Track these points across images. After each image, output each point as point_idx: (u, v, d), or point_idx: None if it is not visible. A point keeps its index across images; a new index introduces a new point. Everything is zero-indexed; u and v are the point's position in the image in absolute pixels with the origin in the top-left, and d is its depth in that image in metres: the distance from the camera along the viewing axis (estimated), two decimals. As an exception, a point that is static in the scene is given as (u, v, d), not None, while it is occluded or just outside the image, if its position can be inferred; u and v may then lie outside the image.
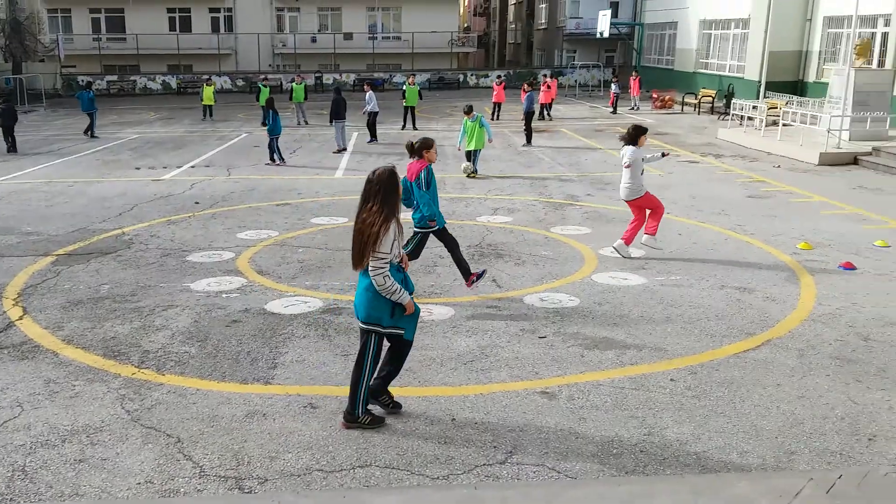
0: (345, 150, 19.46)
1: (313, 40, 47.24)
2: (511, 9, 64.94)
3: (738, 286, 8.23)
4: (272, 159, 17.35)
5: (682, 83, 33.28)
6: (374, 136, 21.15)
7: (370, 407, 5.30)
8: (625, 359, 6.35)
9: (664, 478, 4.58)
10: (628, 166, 9.24)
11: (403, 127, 24.15)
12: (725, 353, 6.43)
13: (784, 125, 19.35)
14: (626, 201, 9.51)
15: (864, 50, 19.15)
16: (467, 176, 15.51)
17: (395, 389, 5.82)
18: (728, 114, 23.94)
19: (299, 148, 19.54)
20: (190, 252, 9.78)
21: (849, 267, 8.79)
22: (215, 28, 46.00)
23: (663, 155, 10.16)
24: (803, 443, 4.97)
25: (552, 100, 27.74)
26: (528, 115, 20.37)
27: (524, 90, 22.15)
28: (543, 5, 51.46)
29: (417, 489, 4.45)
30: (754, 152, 18.56)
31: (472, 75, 45.06)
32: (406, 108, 24.16)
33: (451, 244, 8.14)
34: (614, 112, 28.39)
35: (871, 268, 8.81)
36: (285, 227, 11.20)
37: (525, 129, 20.34)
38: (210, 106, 27.69)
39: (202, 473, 4.67)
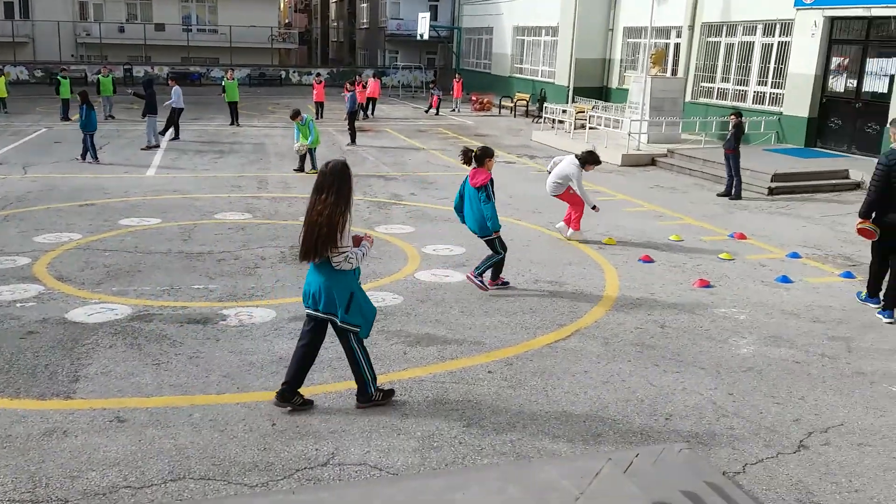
0: (157, 146, 18.47)
1: (121, 30, 44.50)
2: (333, 7, 64.51)
3: (550, 280, 8.67)
4: (84, 157, 16.11)
5: (499, 87, 34.56)
6: (177, 134, 20.18)
7: (380, 386, 5.58)
8: (446, 354, 6.51)
9: (477, 467, 4.73)
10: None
11: (232, 123, 23.35)
12: (539, 344, 6.76)
13: (591, 128, 20.61)
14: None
15: (658, 59, 20.76)
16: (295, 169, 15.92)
17: (210, 397, 5.62)
18: (541, 117, 25.14)
19: (106, 144, 18.30)
20: (-22, 258, 8.89)
21: (647, 260, 9.52)
22: (9, 14, 42.10)
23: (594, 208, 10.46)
24: (608, 425, 5.33)
25: (376, 98, 27.99)
26: (352, 115, 20.32)
27: (346, 89, 22.09)
28: (364, 5, 51.57)
29: (231, 498, 4.31)
30: (565, 154, 19.58)
31: (294, 72, 44.27)
32: (229, 103, 23.39)
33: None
34: (436, 113, 28.92)
35: (666, 260, 9.59)
36: (90, 229, 10.45)
37: (349, 129, 20.28)
38: (3, 98, 25.32)
39: (-8, 500, 4.26)
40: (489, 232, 8.07)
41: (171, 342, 6.58)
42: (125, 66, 39.67)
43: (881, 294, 7.82)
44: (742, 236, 10.91)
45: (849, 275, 9.08)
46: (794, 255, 9.91)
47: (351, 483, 4.50)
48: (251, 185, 14.24)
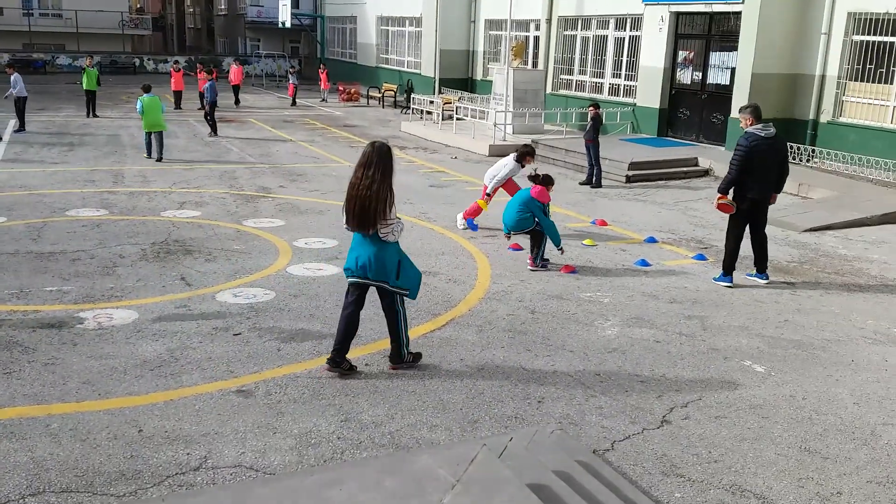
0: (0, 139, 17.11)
1: (-49, 13, 40.88)
2: (189, -8, 61.90)
3: (424, 270, 8.65)
4: None
5: (365, 77, 34.35)
6: (22, 125, 18.84)
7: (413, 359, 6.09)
8: (321, 349, 6.43)
9: (354, 461, 4.72)
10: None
11: (88, 114, 21.88)
12: (415, 335, 6.78)
13: (458, 119, 20.90)
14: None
15: (519, 51, 21.28)
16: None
17: (69, 406, 5.30)
18: (409, 108, 25.23)
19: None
20: None
21: (516, 248, 9.78)
22: None
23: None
24: (484, 411, 5.44)
25: (239, 86, 27.23)
26: (213, 105, 19.59)
27: (203, 77, 21.24)
28: (223, -10, 49.81)
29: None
30: (434, 144, 19.80)
31: (149, 60, 42.20)
32: (87, 92, 21.89)
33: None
34: (293, 104, 28.27)
35: (534, 248, 9.87)
36: (-77, 230, 9.58)
37: (210, 120, 19.55)
38: None
39: None
40: (525, 227, 8.85)
41: (23, 349, 6.15)
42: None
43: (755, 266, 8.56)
44: (603, 223, 11.40)
45: (701, 257, 9.69)
46: (652, 240, 10.47)
47: (224, 486, 4.37)
48: (106, 179, 13.48)
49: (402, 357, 6.05)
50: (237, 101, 27.17)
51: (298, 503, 3.31)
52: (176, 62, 28.15)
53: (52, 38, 42.73)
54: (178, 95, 25.52)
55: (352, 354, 6.30)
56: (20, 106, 18.73)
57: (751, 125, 8.32)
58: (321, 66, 32.34)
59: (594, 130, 14.59)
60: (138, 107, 15.46)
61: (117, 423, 5.05)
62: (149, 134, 15.61)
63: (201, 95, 24.62)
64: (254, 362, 6.11)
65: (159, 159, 15.45)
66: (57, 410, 5.19)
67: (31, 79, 32.36)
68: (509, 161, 10.75)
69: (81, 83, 22.19)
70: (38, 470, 4.49)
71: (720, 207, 8.46)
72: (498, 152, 18.11)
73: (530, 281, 8.48)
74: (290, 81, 28.92)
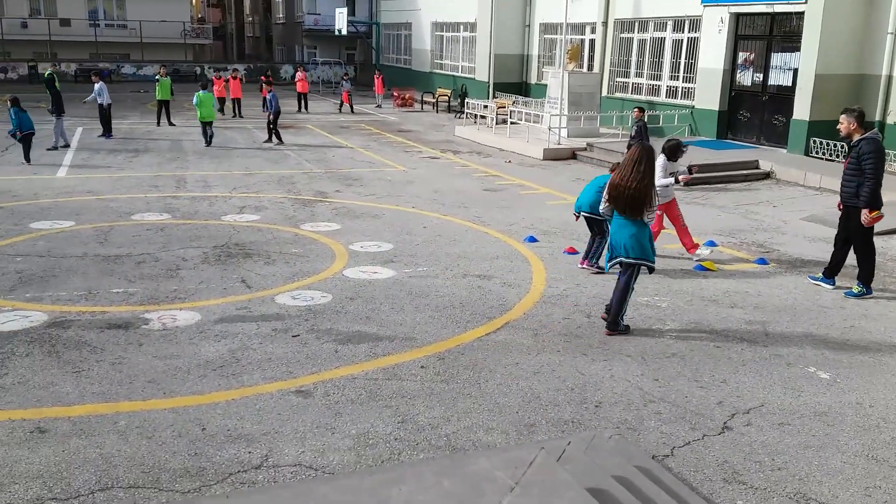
0: (67, 146, 17.74)
1: (24, 26, 42.53)
2: (247, 1, 63.22)
3: (478, 274, 8.75)
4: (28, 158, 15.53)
5: (419, 82, 34.58)
6: (108, 131, 19.54)
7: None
8: (377, 350, 6.49)
9: (413, 462, 4.75)
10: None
11: (159, 122, 22.51)
12: (470, 338, 6.81)
13: (512, 123, 20.87)
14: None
15: (574, 54, 21.17)
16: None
17: (136, 404, 5.47)
18: (463, 112, 25.30)
19: (12, 144, 17.46)
20: None
21: (572, 252, 9.71)
22: None
23: (690, 171, 10.00)
24: (540, 414, 5.42)
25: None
26: (276, 115, 19.69)
27: (265, 89, 21.65)
28: (281, -1, 50.73)
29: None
30: (488, 148, 19.80)
31: (210, 68, 43.20)
32: (160, 102, 22.47)
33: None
34: (350, 111, 28.41)
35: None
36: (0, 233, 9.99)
37: (273, 129, 19.69)
38: None
39: None
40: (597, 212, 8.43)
41: (92, 349, 6.36)
42: (29, 64, 37.94)
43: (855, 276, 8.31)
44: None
45: (762, 261, 9.47)
46: (711, 244, 10.28)
47: (285, 484, 4.45)
48: (169, 184, 13.85)
49: (617, 325, 6.92)
50: (305, 108, 27.72)
51: (359, 502, 3.35)
52: (235, 70, 28.73)
53: (118, 48, 44.12)
54: (236, 103, 26.03)
55: (405, 358, 6.36)
56: (104, 112, 19.33)
57: (853, 129, 8.00)
58: (377, 71, 32.65)
59: (640, 133, 14.57)
60: (195, 100, 19.01)
61: (182, 422, 5.19)
62: (203, 124, 18.85)
63: (265, 101, 25.22)
64: (312, 363, 6.20)
65: (208, 144, 18.65)
66: (124, 408, 5.35)
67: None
68: (660, 159, 9.66)
69: (155, 93, 22.71)
70: (106, 466, 4.63)
71: (874, 221, 8.02)
72: (552, 156, 18.04)
73: (586, 285, 8.41)
74: (344, 88, 29.25)
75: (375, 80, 31.29)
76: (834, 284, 8.41)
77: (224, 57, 62.17)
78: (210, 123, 18.97)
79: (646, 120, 15.81)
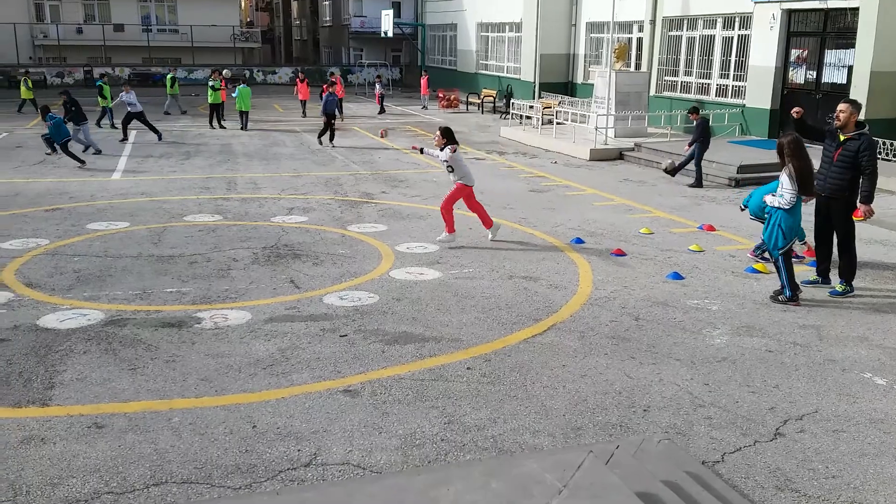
0: (100, 151, 17.80)
1: (79, 31, 43.72)
2: (295, 5, 64.01)
3: (524, 276, 8.73)
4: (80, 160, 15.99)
5: (465, 83, 34.61)
6: (157, 133, 20.01)
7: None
8: (424, 351, 6.52)
9: (460, 463, 4.76)
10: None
11: (211, 125, 23.05)
12: (516, 340, 6.80)
13: (558, 123, 20.75)
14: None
15: (622, 54, 20.96)
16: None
17: (189, 401, 5.58)
18: (508, 113, 25.25)
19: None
20: (-58, 266, 8.71)
21: (619, 253, 9.63)
22: (-39, 15, 41.13)
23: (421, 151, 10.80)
24: (588, 418, 5.39)
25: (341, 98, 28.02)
26: (330, 117, 19.92)
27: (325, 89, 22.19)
28: (327, 2, 51.24)
29: (214, 501, 4.29)
30: (533, 149, 19.73)
31: (258, 71, 43.91)
32: (211, 106, 23.04)
33: None
34: (381, 112, 28.55)
35: (638, 253, 9.70)
36: (57, 234, 10.28)
37: (329, 129, 19.83)
38: (27, 100, 25.00)
39: (-30, 512, 4.19)
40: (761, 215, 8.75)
41: (147, 346, 6.52)
42: (85, 69, 38.99)
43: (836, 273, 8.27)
44: (711, 228, 11.07)
45: (815, 264, 9.26)
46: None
47: (335, 482, 4.50)
48: (220, 186, 14.11)
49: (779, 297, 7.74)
50: (341, 113, 27.96)
51: (407, 501, 3.37)
52: (302, 72, 29.43)
53: (169, 53, 45.05)
54: (302, 104, 26.63)
55: (451, 359, 6.38)
56: (134, 119, 19.67)
57: (851, 122, 8.01)
58: (423, 72, 32.79)
59: (702, 134, 14.37)
60: (235, 93, 22.60)
61: (233, 419, 5.29)
62: (241, 112, 22.54)
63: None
64: (359, 363, 6.26)
65: (244, 128, 22.50)
66: (178, 405, 5.48)
67: (150, 91, 34.26)
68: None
69: (208, 97, 23.17)
70: (160, 461, 4.75)
71: (869, 215, 8.05)
72: (599, 156, 17.90)
73: (634, 287, 8.33)
74: (376, 90, 29.45)
75: (422, 82, 31.44)
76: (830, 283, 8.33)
77: (272, 60, 63.06)
78: (246, 113, 22.72)
79: (705, 117, 15.42)
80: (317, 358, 6.36)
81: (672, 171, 14.84)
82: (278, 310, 7.49)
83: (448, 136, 10.01)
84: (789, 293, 7.79)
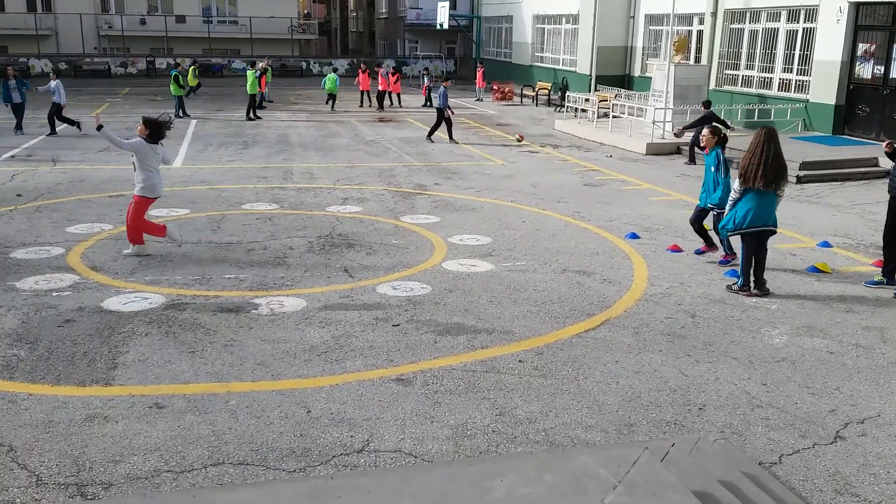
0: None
1: (143, 22, 44.77)
2: (352, -3, 64.46)
3: (577, 270, 8.66)
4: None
5: (519, 75, 34.42)
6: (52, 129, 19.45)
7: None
8: (476, 343, 6.53)
9: (513, 455, 4.76)
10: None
11: (248, 116, 23.33)
12: (569, 334, 6.76)
13: (614, 117, 20.50)
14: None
15: (681, 46, 20.57)
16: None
17: (245, 384, 5.69)
18: (563, 106, 25.03)
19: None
20: (13, 248, 9.03)
21: (676, 249, 9.48)
22: (31, 7, 42.47)
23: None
24: (641, 415, 5.33)
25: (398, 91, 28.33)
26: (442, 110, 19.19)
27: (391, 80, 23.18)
28: (384, -6, 51.46)
29: (270, 483, 4.37)
30: (588, 142, 19.54)
31: (314, 63, 44.36)
32: (329, 94, 26.15)
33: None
34: (426, 104, 28.17)
35: (695, 250, 9.53)
36: (120, 219, 10.53)
37: (446, 123, 19.21)
38: (193, 87, 26.29)
39: (39, 482, 4.35)
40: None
41: (206, 330, 6.67)
42: (147, 59, 39.92)
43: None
44: (770, 225, 10.81)
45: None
46: (825, 245, 9.83)
47: (388, 469, 4.55)
48: (276, 175, 14.32)
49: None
50: (399, 103, 28.40)
51: (460, 490, 3.39)
52: (389, 65, 30.12)
53: (229, 44, 45.86)
54: (382, 95, 27.33)
55: (503, 351, 6.38)
56: (52, 112, 19.15)
57: None
58: (479, 64, 32.75)
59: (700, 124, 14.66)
60: (323, 83, 26.69)
61: (288, 403, 5.38)
62: (329, 95, 26.03)
63: (388, 95, 27.64)
64: (412, 353, 6.30)
65: (332, 110, 25.16)
66: (235, 388, 5.59)
67: (210, 81, 34.96)
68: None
69: (247, 86, 23.54)
70: (218, 442, 4.86)
71: None
72: (655, 151, 17.63)
73: (690, 284, 8.20)
74: (423, 83, 29.48)
75: (477, 74, 31.47)
76: None
77: (328, 52, 63.63)
78: (334, 96, 26.06)
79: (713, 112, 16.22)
80: (370, 346, 6.42)
81: (679, 134, 15.39)
82: (332, 298, 7.59)
83: None
84: (741, 283, 7.89)
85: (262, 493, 3.57)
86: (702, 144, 9.33)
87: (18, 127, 19.08)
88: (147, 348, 6.26)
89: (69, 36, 42.37)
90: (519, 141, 18.47)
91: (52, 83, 19.18)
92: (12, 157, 15.77)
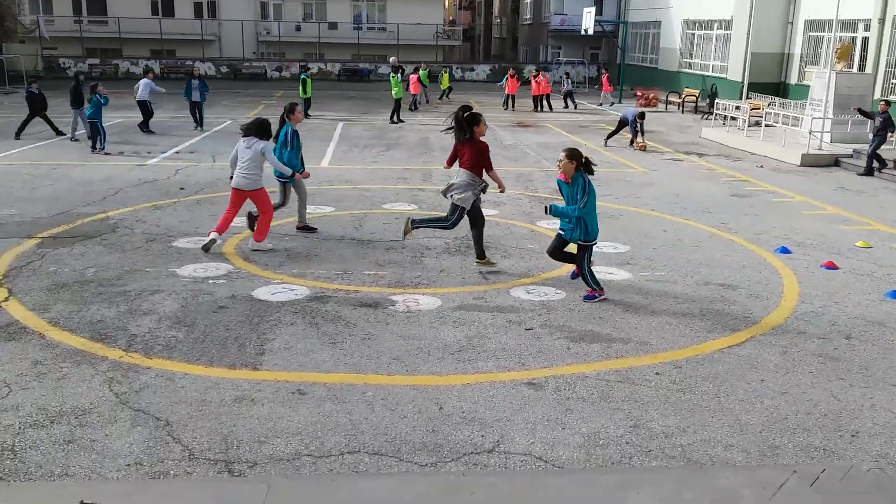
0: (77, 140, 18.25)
1: (298, 29, 46.96)
2: (496, 3, 64.93)
3: (721, 283, 8.32)
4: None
5: (665, 82, 33.49)
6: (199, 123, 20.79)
7: None
8: (610, 352, 6.41)
9: (650, 469, 4.64)
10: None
11: (392, 120, 24.08)
12: (710, 349, 6.51)
13: (766, 126, 19.54)
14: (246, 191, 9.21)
15: (844, 54, 19.32)
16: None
17: (382, 377, 5.85)
18: (711, 113, 24.12)
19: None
20: (175, 238, 9.72)
21: (831, 266, 8.92)
22: (198, 14, 45.57)
23: None
24: (787, 437, 5.05)
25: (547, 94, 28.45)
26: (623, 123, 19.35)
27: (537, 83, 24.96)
28: (528, 1, 51.49)
29: (406, 475, 4.47)
30: (737, 152, 18.73)
31: (457, 68, 45.01)
32: (443, 90, 29.90)
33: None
34: (535, 109, 28.26)
35: (852, 268, 8.95)
36: (271, 214, 11.14)
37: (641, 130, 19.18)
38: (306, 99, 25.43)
39: (191, 456, 4.66)
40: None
41: (346, 323, 6.91)
42: (301, 63, 41.85)
43: None
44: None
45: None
46: None
47: (520, 471, 4.54)
48: (416, 177, 14.64)
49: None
50: (547, 107, 28.59)
51: (595, 498, 3.34)
52: (538, 71, 30.79)
53: (376, 50, 47.30)
54: (510, 99, 28.09)
55: (639, 362, 6.22)
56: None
57: None
58: (603, 70, 32.59)
59: (885, 125, 13.81)
60: (501, 82, 28.45)
61: (421, 399, 5.48)
62: (509, 97, 27.47)
63: (536, 99, 28.31)
64: (544, 357, 6.26)
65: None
66: (372, 381, 5.77)
67: (357, 86, 36.21)
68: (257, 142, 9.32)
69: (391, 91, 24.30)
70: (354, 432, 5.02)
71: None
72: (811, 162, 16.68)
73: (846, 304, 7.69)
74: (564, 87, 29.52)
75: (602, 80, 31.45)
76: None
77: (471, 58, 64.40)
78: (513, 97, 27.82)
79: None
80: (502, 348, 6.44)
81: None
82: (467, 299, 7.66)
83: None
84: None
85: (399, 483, 3.66)
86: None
87: (199, 124, 20.92)
88: (292, 337, 6.57)
89: (231, 41, 45.11)
90: (643, 149, 17.92)
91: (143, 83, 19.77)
92: (177, 152, 16.97)
